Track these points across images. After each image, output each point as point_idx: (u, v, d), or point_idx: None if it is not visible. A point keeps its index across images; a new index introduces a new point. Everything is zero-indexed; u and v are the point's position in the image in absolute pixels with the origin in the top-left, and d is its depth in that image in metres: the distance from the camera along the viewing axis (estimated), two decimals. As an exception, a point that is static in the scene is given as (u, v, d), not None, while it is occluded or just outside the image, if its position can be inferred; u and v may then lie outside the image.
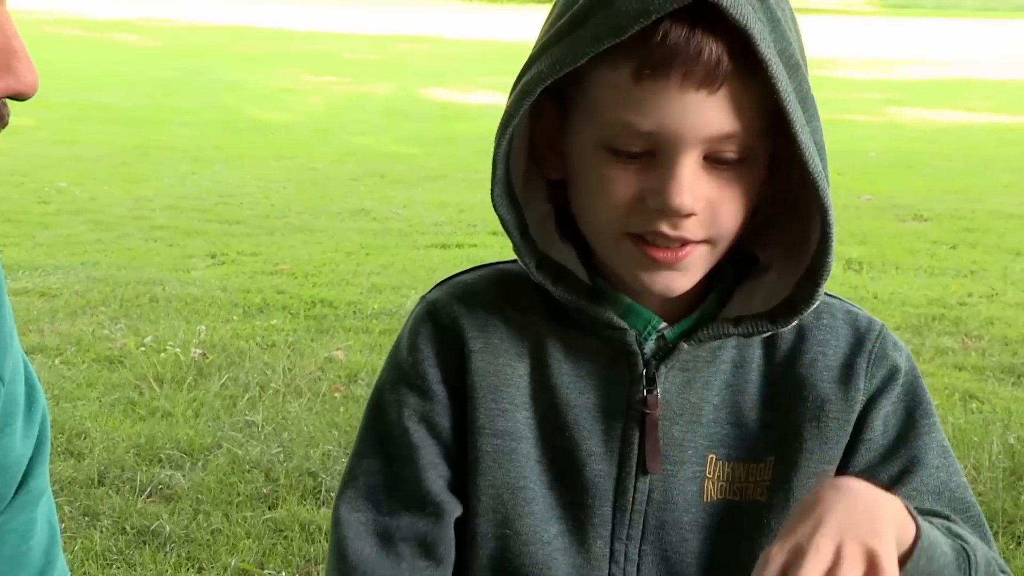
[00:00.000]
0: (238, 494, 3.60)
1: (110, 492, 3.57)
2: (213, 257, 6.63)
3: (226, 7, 30.23)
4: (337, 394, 4.44)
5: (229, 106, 13.53)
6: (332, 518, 1.25)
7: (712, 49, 1.08)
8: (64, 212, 7.72)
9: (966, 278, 6.55)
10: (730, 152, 1.13)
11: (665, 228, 1.14)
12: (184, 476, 3.69)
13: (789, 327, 1.24)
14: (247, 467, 3.76)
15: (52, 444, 1.79)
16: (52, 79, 14.52)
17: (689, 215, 1.13)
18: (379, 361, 4.79)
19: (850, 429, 1.24)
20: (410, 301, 5.62)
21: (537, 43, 1.18)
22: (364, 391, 4.46)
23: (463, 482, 1.25)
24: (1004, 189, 9.57)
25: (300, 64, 18.33)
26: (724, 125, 1.11)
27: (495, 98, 14.49)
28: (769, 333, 1.23)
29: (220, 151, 10.44)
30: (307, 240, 7.14)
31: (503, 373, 1.24)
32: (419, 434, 1.24)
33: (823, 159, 1.14)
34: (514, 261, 1.27)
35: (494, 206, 1.21)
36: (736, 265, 1.24)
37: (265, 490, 3.63)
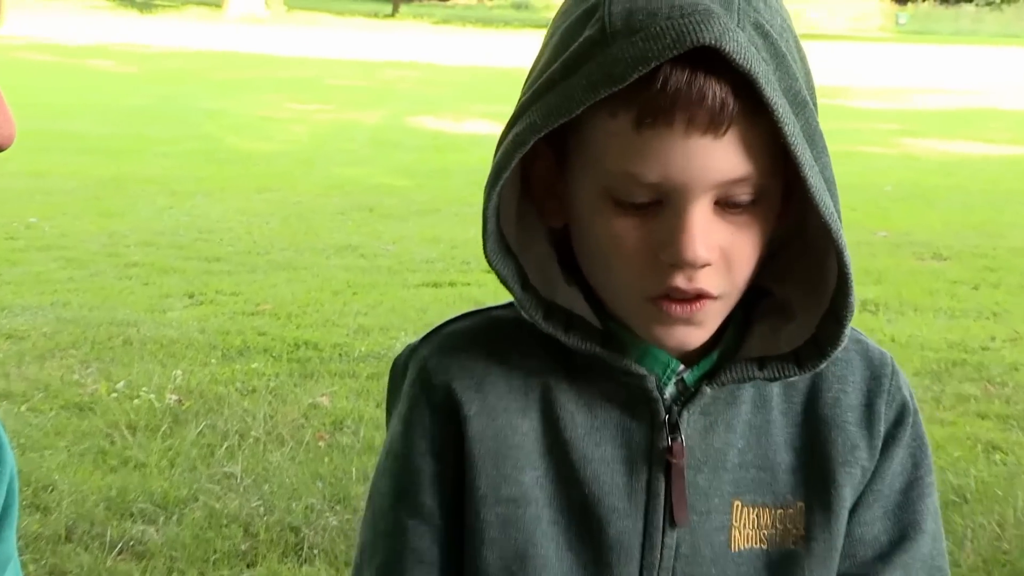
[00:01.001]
0: (215, 551, 3.57)
1: (78, 549, 3.54)
2: (191, 296, 6.62)
3: (205, 32, 30.38)
4: (322, 443, 4.42)
5: (209, 135, 13.55)
6: None
7: (715, 92, 1.08)
8: (33, 248, 7.71)
9: (988, 320, 6.55)
10: (743, 195, 1.13)
11: (680, 283, 1.13)
12: (158, 531, 3.67)
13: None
14: (225, 522, 3.73)
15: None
16: (22, 107, 14.49)
17: (704, 266, 1.13)
18: (366, 407, 4.77)
19: (870, 476, 1.27)
20: (399, 343, 5.60)
21: (527, 88, 1.17)
22: (350, 439, 4.44)
23: (461, 559, 1.24)
24: (1027, 225, 9.59)
25: (283, 91, 18.39)
26: (734, 169, 1.11)
27: (489, 127, 14.53)
28: (796, 377, 1.22)
29: (199, 183, 10.45)
30: (291, 278, 7.13)
31: (503, 435, 1.22)
32: (401, 513, 1.25)
33: (834, 196, 1.14)
34: (509, 304, 1.26)
35: (489, 262, 1.20)
36: (748, 298, 1.23)
37: (244, 546, 3.61)
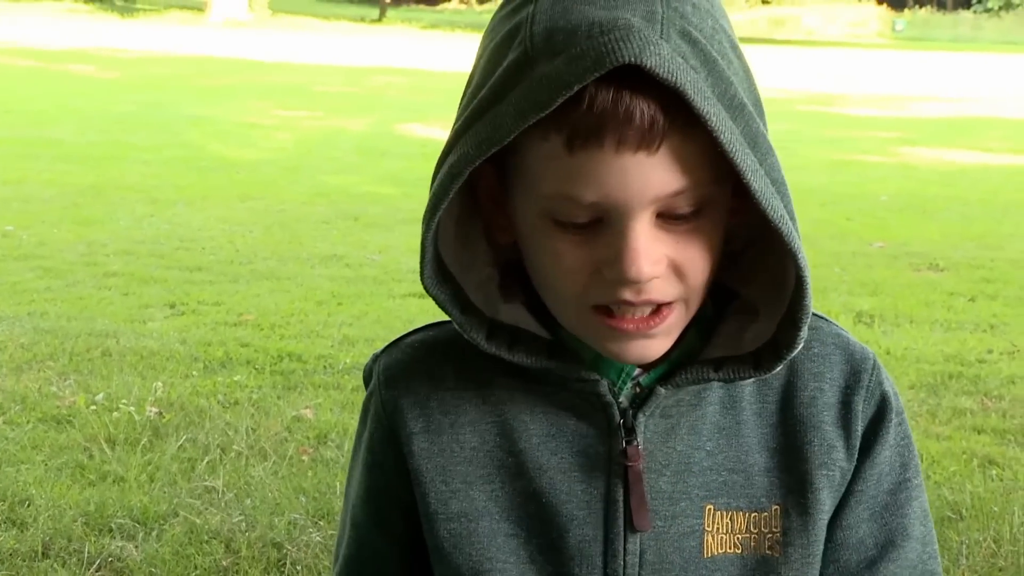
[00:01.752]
0: (195, 567, 3.57)
1: (55, 565, 3.55)
2: (172, 307, 6.62)
3: (187, 36, 30.38)
4: (305, 457, 4.42)
5: (191, 143, 13.55)
6: None
7: (643, 110, 1.07)
8: (9, 258, 7.71)
9: (985, 333, 6.57)
10: (683, 207, 1.13)
11: (628, 296, 1.14)
12: (137, 548, 3.67)
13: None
14: (206, 537, 3.73)
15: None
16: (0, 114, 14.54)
17: (650, 280, 1.13)
18: (351, 420, 4.77)
19: (850, 478, 1.27)
20: (385, 356, 5.61)
21: (460, 112, 1.17)
22: (334, 453, 4.44)
23: (422, 570, 1.29)
24: (1026, 236, 9.63)
25: (268, 97, 18.40)
26: (671, 183, 1.11)
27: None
28: (752, 380, 1.23)
29: (181, 191, 10.45)
30: (274, 288, 7.14)
31: (449, 451, 1.25)
32: (362, 519, 1.33)
33: (784, 197, 1.13)
34: None
35: (425, 288, 1.21)
36: (714, 299, 1.24)
37: (225, 563, 3.61)
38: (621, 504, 1.23)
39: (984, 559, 3.74)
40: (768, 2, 58.01)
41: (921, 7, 56.21)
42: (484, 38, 1.20)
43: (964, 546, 3.79)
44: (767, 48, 36.62)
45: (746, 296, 1.24)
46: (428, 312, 5.99)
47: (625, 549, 1.23)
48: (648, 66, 1.05)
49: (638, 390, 1.23)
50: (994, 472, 4.47)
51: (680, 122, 1.08)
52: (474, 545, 1.23)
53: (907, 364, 5.83)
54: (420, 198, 7.97)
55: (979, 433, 4.91)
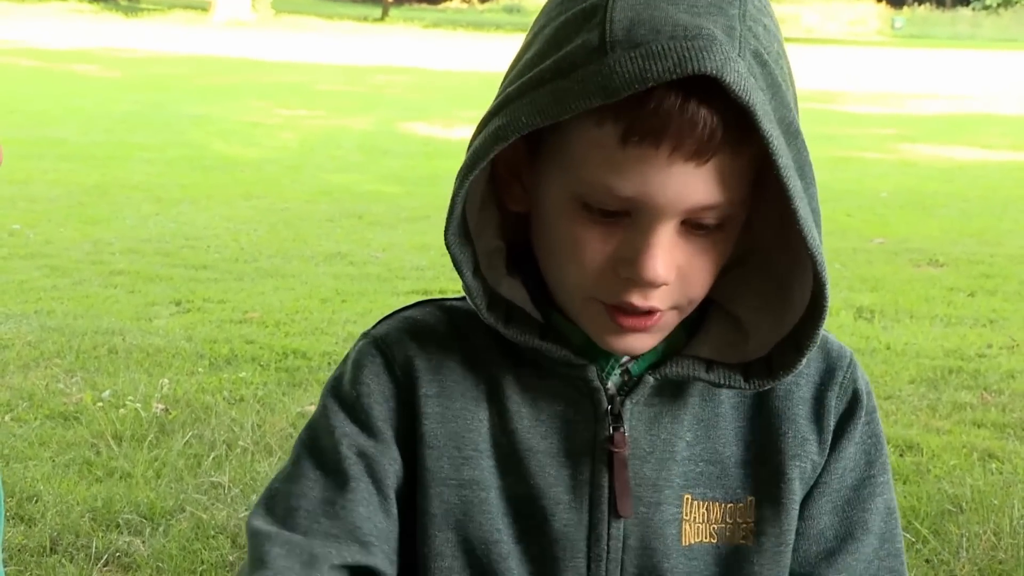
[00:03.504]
0: (202, 562, 3.58)
1: (63, 561, 3.55)
2: (177, 304, 6.63)
3: (191, 36, 30.38)
4: (310, 453, 4.43)
5: (195, 142, 13.56)
6: (248, 532, 1.21)
7: (706, 122, 1.08)
8: (16, 256, 7.72)
9: (985, 328, 6.58)
10: (709, 220, 1.15)
11: (635, 299, 1.15)
12: (144, 543, 3.68)
13: None
14: (212, 532, 3.74)
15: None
16: (3, 113, 14.54)
17: (661, 285, 1.15)
18: (355, 417, 4.78)
19: (820, 470, 1.29)
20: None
21: (513, 77, 1.17)
22: (339, 450, 4.45)
23: (415, 543, 1.24)
24: (1025, 232, 9.63)
25: (270, 96, 18.40)
26: (708, 197, 1.12)
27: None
28: (738, 390, 1.24)
29: (185, 190, 10.46)
30: (278, 286, 7.14)
31: (463, 418, 1.24)
32: (357, 468, 1.22)
33: (819, 227, 1.15)
34: (461, 298, 1.29)
35: (447, 244, 1.21)
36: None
37: (231, 557, 3.62)
38: (606, 490, 1.23)
39: (984, 552, 3.75)
40: None
41: (920, 5, 56.19)
42: (548, 10, 1.18)
43: (964, 539, 3.80)
44: (767, 46, 36.50)
45: (730, 312, 1.26)
46: (432, 309, 5.88)
47: (609, 534, 1.24)
48: (727, 81, 1.06)
49: (626, 378, 1.24)
50: (994, 466, 4.48)
51: (733, 139, 1.10)
52: (485, 514, 1.23)
53: (907, 359, 5.83)
54: (423, 196, 8.04)
55: (979, 427, 4.91)
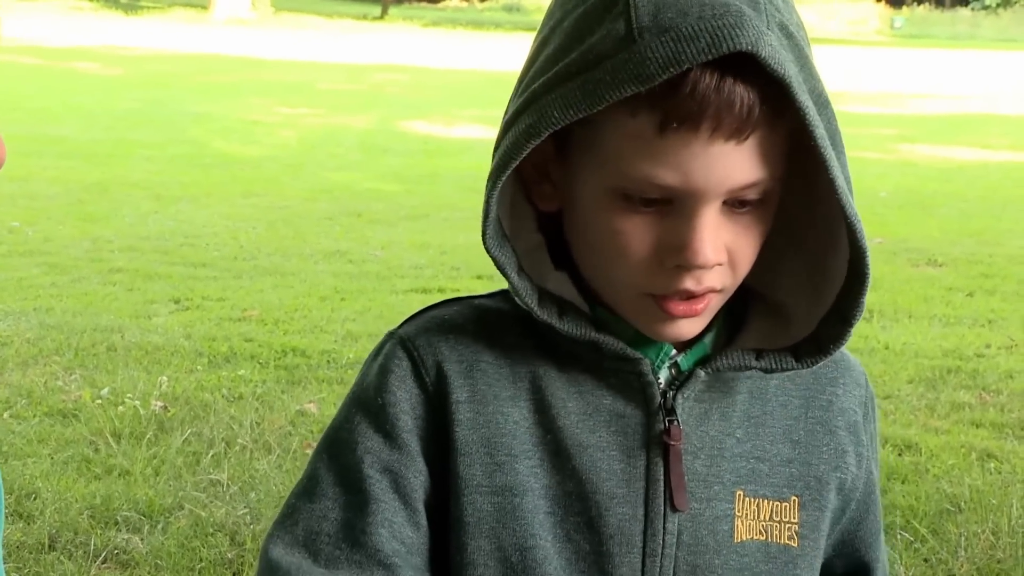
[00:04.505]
0: (201, 560, 3.58)
1: (62, 558, 3.55)
2: (176, 302, 6.63)
3: (191, 34, 30.38)
4: (309, 451, 4.43)
5: (195, 139, 13.56)
6: (262, 561, 1.18)
7: (744, 99, 1.08)
8: (15, 254, 7.71)
9: (984, 328, 6.58)
10: (752, 196, 1.14)
11: (690, 285, 1.14)
12: (142, 540, 3.68)
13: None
14: (211, 530, 3.74)
15: None
16: (4, 110, 14.53)
17: (713, 267, 1.14)
18: (354, 415, 4.78)
19: (860, 486, 1.30)
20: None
21: (534, 73, 1.15)
22: (338, 448, 4.45)
23: (448, 552, 1.21)
24: (1024, 232, 9.64)
25: (271, 95, 18.40)
26: (750, 175, 1.12)
27: (480, 132, 14.54)
28: (792, 371, 1.24)
29: (185, 188, 10.46)
30: (278, 284, 7.14)
31: (495, 423, 1.21)
32: (380, 486, 1.19)
33: (852, 195, 1.15)
34: (489, 295, 1.27)
35: (487, 248, 1.19)
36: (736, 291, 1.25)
37: (230, 555, 3.62)
38: (661, 483, 1.21)
39: (983, 551, 3.75)
40: None
41: (919, 4, 56.19)
42: (563, 2, 1.17)
43: (963, 538, 3.80)
44: (767, 45, 36.50)
45: (763, 291, 1.25)
46: (431, 307, 5.87)
47: (664, 528, 1.22)
48: (762, 56, 1.06)
49: (674, 372, 1.23)
50: (992, 465, 4.48)
51: (769, 114, 1.09)
52: (519, 520, 1.20)
53: (906, 359, 5.83)
54: (422, 195, 8.03)
55: (977, 427, 4.91)
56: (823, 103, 1.12)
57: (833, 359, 1.27)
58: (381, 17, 42.78)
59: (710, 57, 1.05)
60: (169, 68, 22.09)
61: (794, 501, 1.26)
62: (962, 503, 4.06)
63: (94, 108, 15.84)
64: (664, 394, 1.22)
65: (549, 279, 1.22)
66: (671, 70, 1.06)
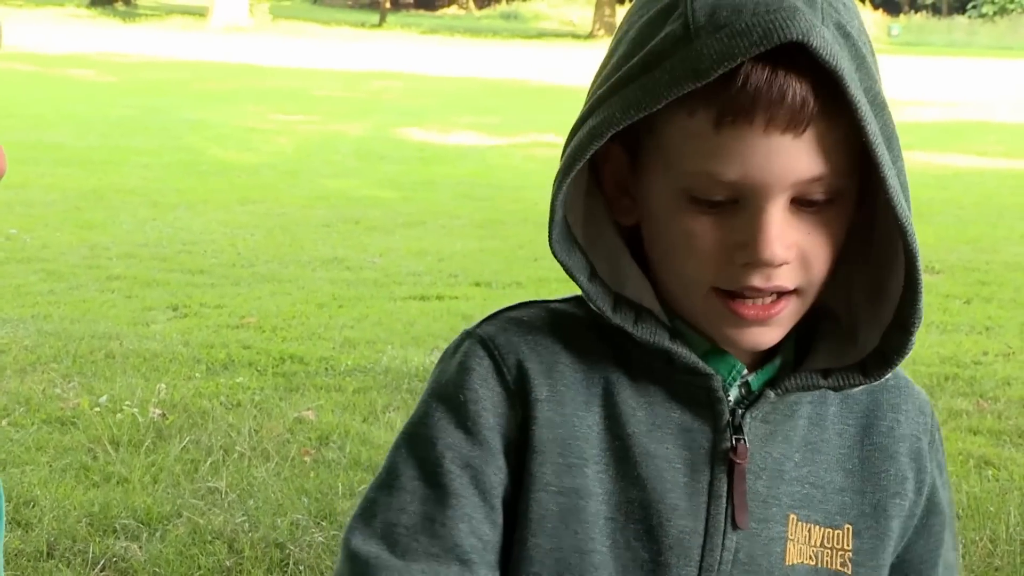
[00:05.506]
0: (199, 567, 3.58)
1: (60, 565, 3.55)
2: (174, 309, 6.63)
3: (189, 41, 30.38)
4: (307, 458, 4.43)
5: (191, 147, 13.56)
6: (344, 552, 1.19)
7: (796, 91, 1.10)
8: (12, 261, 7.71)
9: (981, 335, 6.59)
10: (818, 194, 1.15)
11: (758, 282, 1.15)
12: (141, 548, 3.68)
13: (862, 390, 1.27)
14: (209, 538, 3.74)
15: None
16: (1, 118, 14.52)
17: (781, 265, 1.14)
18: (352, 422, 4.79)
19: (919, 512, 1.30)
20: (386, 357, 5.63)
21: (601, 81, 1.18)
22: (336, 454, 4.45)
23: (509, 547, 1.21)
24: (1021, 239, 9.65)
25: (267, 102, 18.40)
26: (812, 168, 1.13)
27: (477, 138, 14.56)
28: (862, 386, 1.24)
29: (182, 195, 10.46)
30: (275, 291, 7.14)
31: (571, 424, 1.21)
32: (460, 481, 1.19)
33: (908, 201, 1.16)
34: (564, 300, 1.27)
35: (554, 253, 1.20)
36: (807, 315, 1.25)
37: (228, 563, 3.62)
38: (724, 500, 1.22)
39: (981, 559, 3.75)
40: (764, 7, 57.78)
41: (916, 12, 56.26)
42: (629, 16, 1.20)
43: (961, 546, 3.80)
44: (763, 53, 36.53)
45: (841, 312, 1.25)
46: (428, 315, 6.01)
47: (723, 544, 1.22)
48: (814, 46, 1.08)
49: (744, 391, 1.24)
50: (990, 473, 4.49)
51: (827, 109, 1.11)
52: (581, 523, 1.20)
53: (903, 366, 5.83)
54: (419, 201, 8.05)
55: (975, 434, 4.92)
56: (879, 104, 1.14)
57: (895, 386, 1.29)
58: (379, 25, 42.80)
59: (762, 49, 1.08)
60: (166, 75, 22.08)
61: (847, 529, 1.26)
62: (960, 510, 4.07)
63: (91, 115, 15.84)
64: (732, 412, 1.23)
65: (628, 286, 1.23)
66: (725, 64, 1.08)
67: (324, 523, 3.87)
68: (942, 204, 11.23)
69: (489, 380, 1.21)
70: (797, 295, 1.18)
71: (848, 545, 1.26)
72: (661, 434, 1.22)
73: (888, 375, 1.23)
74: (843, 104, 1.10)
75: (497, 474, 1.20)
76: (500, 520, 1.21)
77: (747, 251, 1.14)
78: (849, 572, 1.26)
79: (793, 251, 1.15)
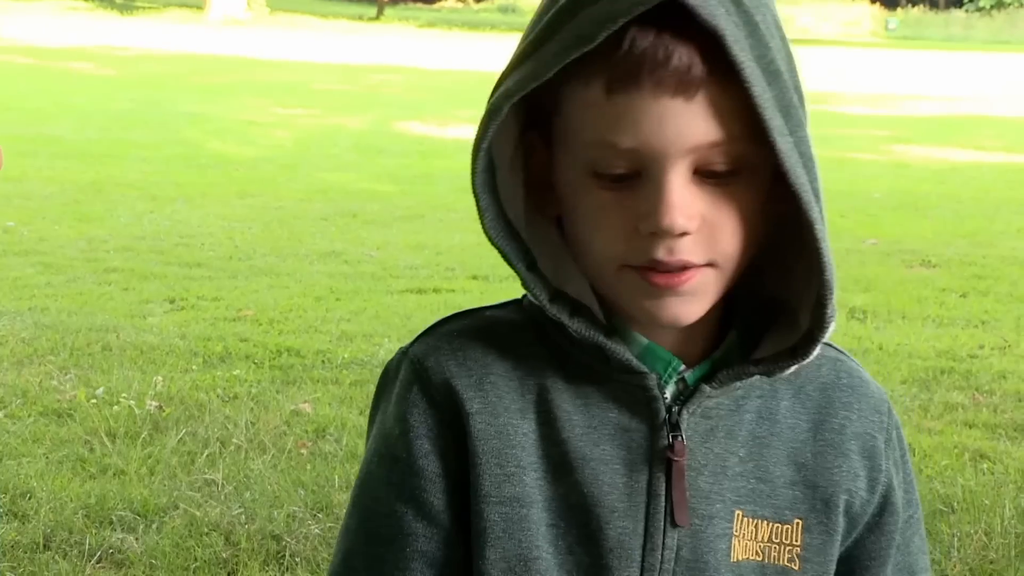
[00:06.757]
0: (195, 559, 3.58)
1: (57, 557, 3.55)
2: (171, 302, 6.63)
3: (187, 34, 30.35)
4: (303, 450, 4.43)
5: (190, 140, 13.55)
6: None
7: (681, 54, 1.09)
8: (10, 253, 7.71)
9: (977, 328, 6.59)
10: (719, 163, 1.13)
11: (662, 254, 1.14)
12: (137, 540, 3.68)
13: (814, 386, 1.27)
14: (205, 530, 3.74)
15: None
16: (-1, 110, 14.53)
17: (683, 234, 1.13)
18: (349, 414, 4.79)
19: (870, 510, 1.28)
20: (383, 350, 5.62)
21: (508, 63, 1.19)
22: (332, 447, 4.45)
23: (468, 559, 1.23)
24: (1017, 233, 9.65)
25: (266, 95, 18.39)
26: (707, 133, 1.11)
27: (475, 132, 14.52)
28: (792, 368, 1.22)
29: (180, 188, 10.45)
30: (273, 284, 7.14)
31: (505, 434, 1.22)
32: (407, 517, 1.22)
33: (811, 172, 1.14)
34: (502, 305, 1.27)
35: (489, 239, 1.20)
36: (765, 306, 1.25)
37: (225, 555, 3.62)
38: (663, 498, 1.22)
39: (975, 552, 3.75)
40: (762, 1, 57.81)
41: (914, 6, 56.26)
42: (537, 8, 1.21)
43: (955, 539, 3.81)
44: (761, 47, 36.50)
45: (786, 299, 1.24)
46: (426, 308, 5.99)
47: (664, 544, 1.22)
48: (691, 4, 1.07)
49: (681, 387, 1.23)
50: (985, 466, 4.49)
51: (719, 74, 1.10)
52: (524, 532, 1.21)
53: (899, 359, 5.84)
54: (417, 195, 8.02)
55: (970, 428, 4.92)
56: (773, 72, 1.12)
57: (849, 384, 1.28)
58: (376, 18, 42.77)
59: (642, 8, 1.08)
60: (164, 68, 22.07)
61: (797, 524, 1.25)
62: (955, 504, 4.07)
63: (89, 108, 15.83)
64: (669, 409, 1.22)
65: (570, 283, 1.22)
66: (608, 26, 1.08)
67: (320, 515, 3.87)
68: (939, 198, 11.23)
69: (420, 405, 1.23)
70: (713, 268, 1.16)
71: (797, 540, 1.25)
72: (598, 436, 1.22)
73: (813, 352, 1.20)
74: (735, 70, 1.09)
75: (442, 497, 1.23)
76: (458, 538, 1.23)
77: (649, 220, 1.13)
78: (797, 568, 1.25)
79: (696, 221, 1.13)
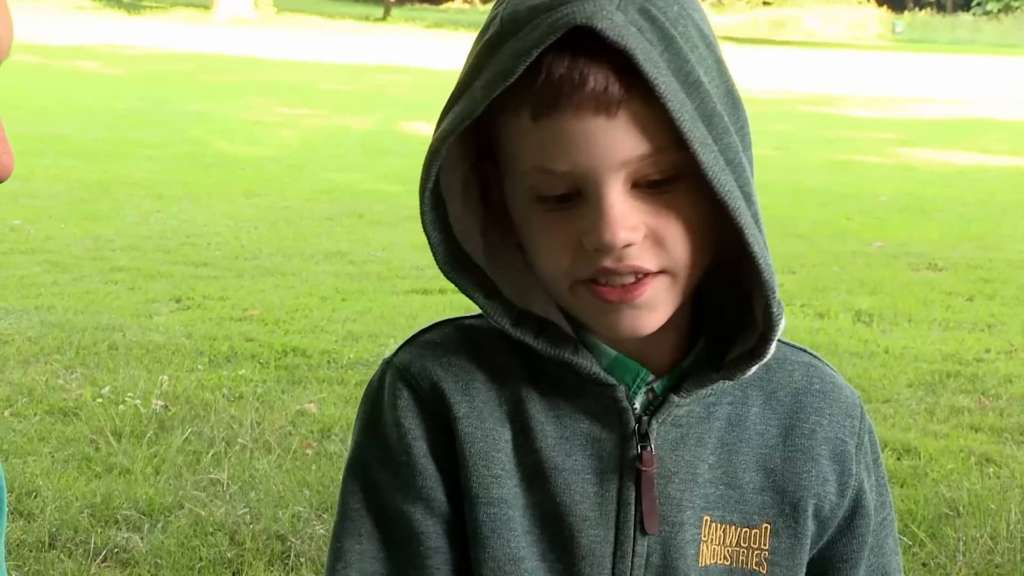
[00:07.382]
0: (200, 559, 3.58)
1: (62, 556, 3.55)
2: (177, 301, 6.63)
3: (193, 34, 30.38)
4: (309, 450, 4.43)
5: (196, 139, 13.56)
6: None
7: (596, 76, 1.12)
8: (17, 252, 7.72)
9: (983, 332, 6.58)
10: (654, 173, 1.15)
11: (609, 263, 1.16)
12: (142, 539, 3.68)
13: (786, 391, 1.29)
14: (210, 529, 3.74)
15: None
16: (6, 109, 14.52)
17: (627, 246, 1.15)
18: (354, 414, 4.77)
19: (841, 513, 1.31)
20: (388, 350, 5.60)
21: (446, 102, 1.23)
22: (338, 447, 4.45)
23: (467, 556, 1.26)
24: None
25: (272, 95, 18.40)
26: (634, 147, 1.14)
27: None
28: (752, 369, 1.24)
29: (186, 187, 10.46)
30: (279, 284, 7.15)
31: (491, 438, 1.25)
32: (418, 516, 1.25)
33: (739, 177, 1.15)
34: (476, 316, 1.29)
35: (444, 273, 1.25)
36: (734, 312, 1.26)
37: (230, 555, 3.62)
38: (633, 507, 1.25)
39: (981, 556, 3.75)
40: (769, 3, 57.98)
41: (921, 9, 56.24)
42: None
43: (961, 543, 3.80)
44: (768, 49, 36.61)
45: (748, 303, 1.26)
46: (431, 308, 6.01)
47: (634, 551, 1.25)
48: (599, 27, 1.10)
49: (651, 396, 1.25)
50: (991, 470, 4.48)
51: (639, 91, 1.12)
52: (511, 532, 1.24)
53: (905, 363, 5.84)
54: (424, 195, 7.76)
55: (976, 431, 4.92)
56: (693, 84, 1.14)
57: (821, 389, 1.31)
58: (383, 18, 42.79)
59: (552, 38, 1.11)
60: (171, 68, 22.09)
61: (766, 528, 1.28)
62: (961, 507, 4.06)
63: (96, 107, 15.85)
64: (639, 419, 1.25)
65: (535, 305, 1.26)
66: (523, 59, 1.12)
67: (326, 516, 3.87)
68: (945, 201, 11.22)
69: (413, 409, 1.26)
70: (667, 276, 1.18)
71: (765, 544, 1.28)
72: (570, 446, 1.25)
73: (768, 351, 1.22)
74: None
75: (445, 495, 1.26)
76: (461, 535, 1.26)
77: (591, 236, 1.15)
78: (764, 571, 1.27)
79: (639, 232, 1.16)
